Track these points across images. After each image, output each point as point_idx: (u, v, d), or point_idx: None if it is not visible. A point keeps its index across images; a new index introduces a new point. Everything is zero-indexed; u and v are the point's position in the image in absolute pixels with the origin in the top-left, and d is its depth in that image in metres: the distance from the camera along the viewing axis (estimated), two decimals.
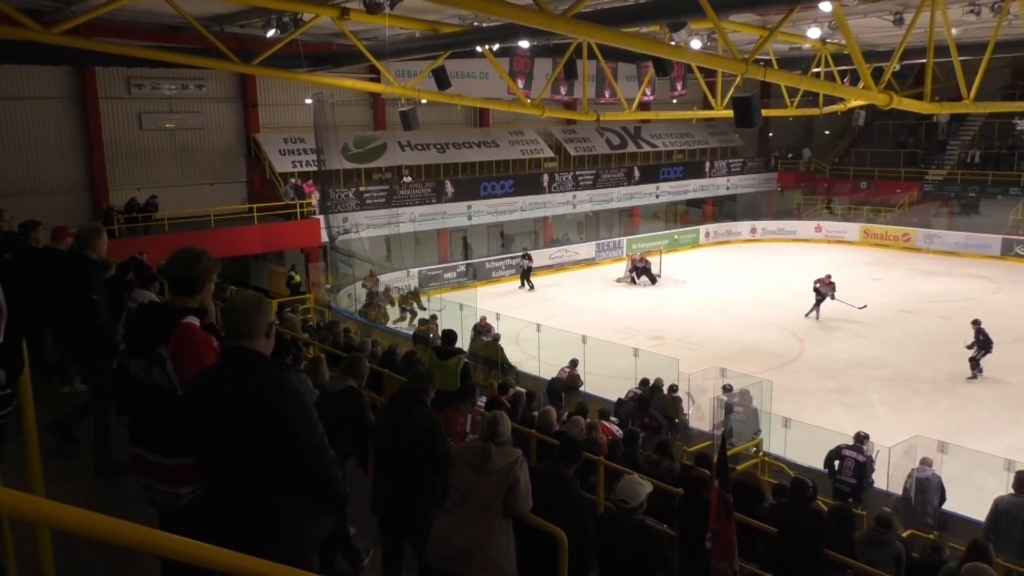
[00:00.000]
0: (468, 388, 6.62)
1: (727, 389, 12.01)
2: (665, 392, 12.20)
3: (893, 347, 19.00)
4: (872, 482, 9.81)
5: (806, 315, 21.54)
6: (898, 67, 17.26)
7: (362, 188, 25.50)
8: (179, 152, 22.98)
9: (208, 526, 2.88)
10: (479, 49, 18.48)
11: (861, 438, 10.04)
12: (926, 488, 9.12)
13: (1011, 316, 21.18)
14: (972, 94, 16.42)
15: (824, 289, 21.53)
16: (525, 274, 26.64)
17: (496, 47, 18.93)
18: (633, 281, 26.69)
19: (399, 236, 26.63)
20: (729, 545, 4.87)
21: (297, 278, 22.13)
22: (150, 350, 3.35)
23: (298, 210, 22.76)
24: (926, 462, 9.36)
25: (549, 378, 13.95)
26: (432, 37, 17.12)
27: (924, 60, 16.02)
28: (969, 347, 16.85)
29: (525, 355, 16.75)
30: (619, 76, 26.69)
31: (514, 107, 21.86)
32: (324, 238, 23.58)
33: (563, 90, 26.19)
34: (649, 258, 27.40)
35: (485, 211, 28.32)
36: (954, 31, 15.95)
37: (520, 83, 22.56)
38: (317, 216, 23.33)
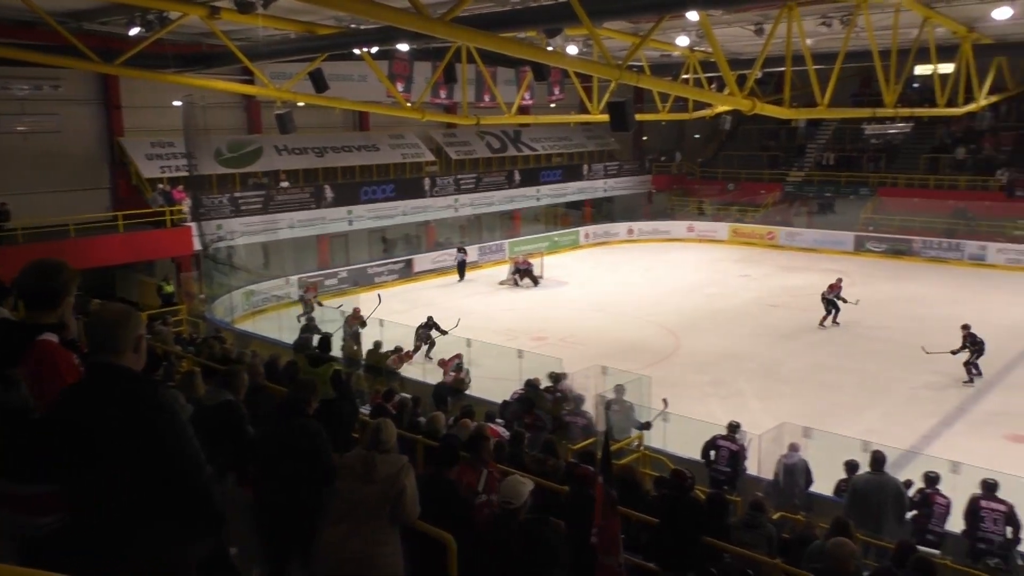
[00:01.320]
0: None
1: (619, 391, 12.20)
2: (548, 391, 12.37)
3: (761, 339, 20.01)
4: (745, 469, 10.29)
5: (822, 325, 21.15)
6: (760, 75, 18.21)
7: (237, 194, 24.62)
8: (34, 157, 21.41)
9: (76, 555, 2.70)
10: (357, 52, 18.22)
11: (734, 428, 10.51)
12: (793, 472, 9.64)
13: (864, 306, 22.69)
14: (826, 100, 17.53)
15: (830, 294, 21.22)
16: (461, 267, 27.95)
17: (375, 50, 18.70)
18: (516, 283, 26.98)
19: (277, 243, 25.89)
20: (614, 539, 5.01)
21: (169, 289, 21.13)
22: (3, 371, 3.11)
23: (168, 217, 21.72)
24: (793, 447, 9.88)
25: (435, 383, 13.89)
26: (308, 39, 16.76)
27: (783, 68, 17.00)
28: (955, 352, 16.71)
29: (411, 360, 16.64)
30: (498, 80, 26.89)
31: (394, 111, 21.68)
32: (197, 246, 22.59)
33: (443, 94, 26.12)
34: (531, 260, 27.76)
35: (366, 216, 27.92)
36: (809, 41, 16.98)
37: (400, 86, 22.36)
38: (189, 223, 22.32)
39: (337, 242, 28.52)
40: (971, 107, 22.60)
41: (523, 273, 27.03)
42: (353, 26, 16.69)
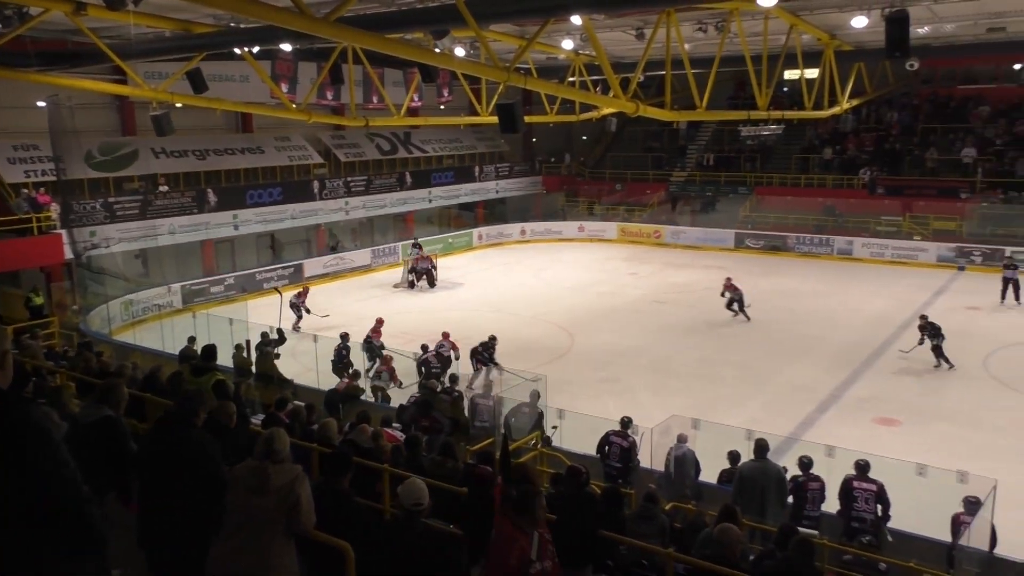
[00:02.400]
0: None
1: (535, 395, 12.27)
2: (445, 393, 12.37)
3: (650, 335, 20.61)
4: (638, 462, 10.58)
5: (734, 315, 21.59)
6: (642, 78, 18.78)
7: (112, 199, 23.40)
8: None
9: None
10: (238, 51, 17.65)
11: (625, 423, 10.77)
12: (683, 463, 9.97)
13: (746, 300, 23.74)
14: (704, 103, 18.27)
15: (734, 294, 21.71)
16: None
17: (256, 49, 18.17)
18: (412, 284, 26.75)
19: (158, 249, 24.76)
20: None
21: (38, 300, 19.84)
22: None
23: (35, 224, 20.42)
24: (681, 439, 10.22)
25: (327, 389, 13.63)
26: (184, 37, 16.10)
27: (664, 72, 17.58)
28: (921, 343, 17.32)
29: (303, 367, 16.25)
30: (386, 82, 26.65)
31: (279, 112, 21.15)
32: (68, 254, 21.33)
33: (330, 95, 25.67)
34: (432, 258, 27.58)
35: (253, 220, 27.08)
36: (687, 46, 17.64)
37: (284, 87, 21.82)
38: (59, 231, 21.06)
39: (223, 247, 27.56)
40: (835, 110, 24.02)
41: (421, 272, 26.82)
42: (233, 25, 16.14)
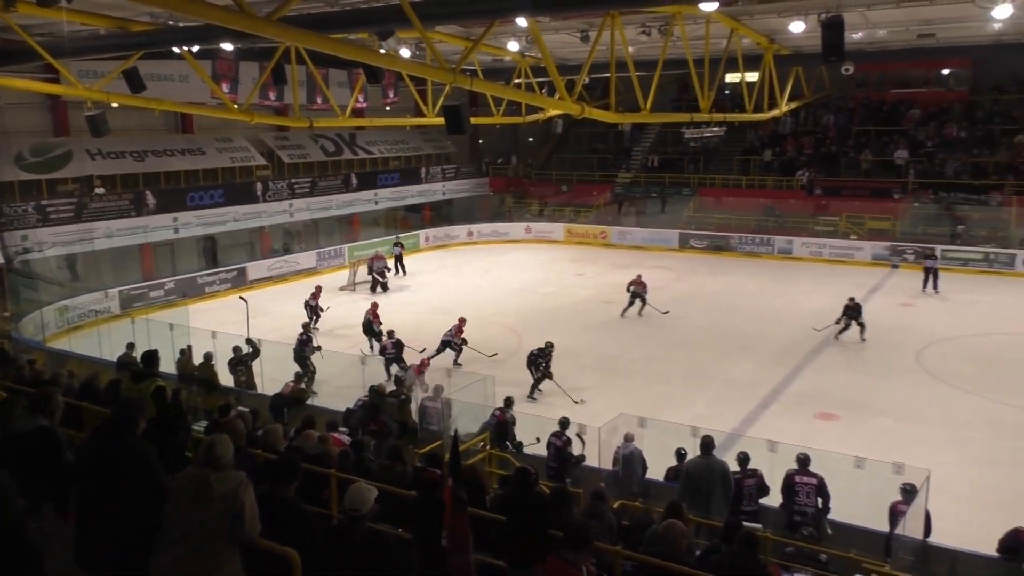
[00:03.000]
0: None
1: (508, 403, 12.25)
2: (392, 396, 12.29)
3: (597, 335, 20.79)
4: (574, 461, 10.64)
5: (622, 314, 22.15)
6: (588, 80, 18.97)
7: (44, 201, 22.65)
8: None
9: None
10: (177, 50, 17.27)
11: (563, 424, 10.84)
12: (630, 461, 10.08)
13: (689, 301, 24.17)
14: (648, 105, 18.50)
15: (638, 289, 22.22)
16: (397, 260, 28.76)
17: (196, 49, 17.81)
18: (376, 286, 26.28)
19: (94, 253, 24.05)
20: (463, 538, 5.06)
21: None
22: None
23: None
24: (628, 438, 10.32)
25: (272, 393, 13.41)
26: (121, 35, 15.68)
27: (609, 74, 17.76)
28: (838, 322, 19.28)
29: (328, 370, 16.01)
30: (330, 82, 26.41)
31: (220, 113, 20.76)
32: None
33: (273, 95, 25.37)
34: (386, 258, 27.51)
35: (194, 223, 26.52)
36: (631, 49, 17.86)
37: (225, 87, 21.47)
38: None
39: (162, 251, 26.91)
40: (775, 113, 24.59)
41: (379, 274, 26.58)
42: (171, 23, 15.79)
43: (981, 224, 29.07)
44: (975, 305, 23.12)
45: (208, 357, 14.51)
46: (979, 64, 32.21)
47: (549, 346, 16.29)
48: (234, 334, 16.90)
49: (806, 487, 9.08)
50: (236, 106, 20.08)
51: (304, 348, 16.54)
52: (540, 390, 15.94)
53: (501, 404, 12.00)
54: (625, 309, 22.26)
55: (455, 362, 17.72)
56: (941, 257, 26.08)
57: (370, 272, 26.72)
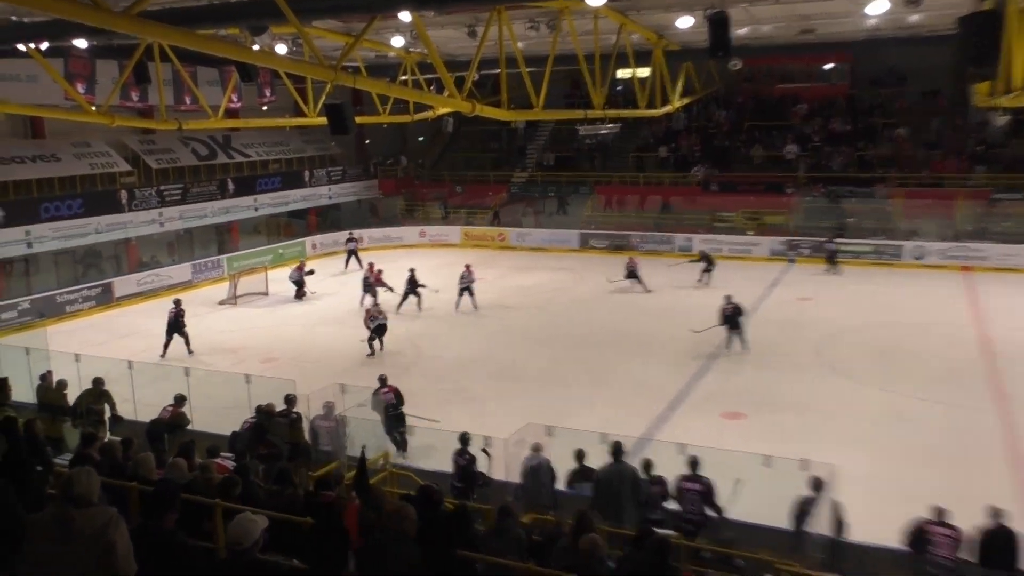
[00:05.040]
0: None
1: (329, 407, 12.06)
2: (282, 415, 11.94)
3: (498, 341, 20.85)
4: (480, 480, 10.57)
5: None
6: (477, 76, 18.97)
7: None
8: None
9: None
10: (23, 48, 16.27)
11: (464, 440, 10.71)
12: (539, 472, 10.10)
13: (591, 303, 24.59)
14: (540, 102, 18.70)
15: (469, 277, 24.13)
16: (352, 253, 30.91)
17: (45, 46, 16.83)
18: (235, 303, 25.62)
19: None
20: None
21: None
22: None
23: None
24: (536, 448, 10.34)
25: (149, 420, 12.79)
26: None
27: (499, 70, 17.84)
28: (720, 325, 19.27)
29: (119, 398, 15.15)
30: (200, 81, 25.51)
31: (75, 115, 19.69)
32: None
33: (135, 96, 24.26)
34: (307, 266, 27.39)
35: (50, 236, 25.06)
36: (520, 44, 18.01)
37: (81, 88, 20.37)
38: None
39: (14, 268, 25.29)
40: (667, 109, 25.32)
41: (300, 285, 26.31)
42: (15, 19, 14.85)
43: (869, 216, 30.81)
44: (871, 297, 24.44)
45: (60, 385, 13.64)
46: (859, 59, 34.22)
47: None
48: (102, 356, 16.05)
49: (690, 493, 9.29)
50: (94, 108, 19.11)
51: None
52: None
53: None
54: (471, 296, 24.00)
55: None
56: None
57: (297, 280, 26.47)
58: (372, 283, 24.21)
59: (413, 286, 23.90)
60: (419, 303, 23.98)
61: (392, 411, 13.51)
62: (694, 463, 9.43)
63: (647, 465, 9.62)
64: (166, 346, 19.99)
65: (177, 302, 20.63)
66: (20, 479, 5.44)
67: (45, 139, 26.70)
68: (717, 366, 18.42)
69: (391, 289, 24.02)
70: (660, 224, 33.37)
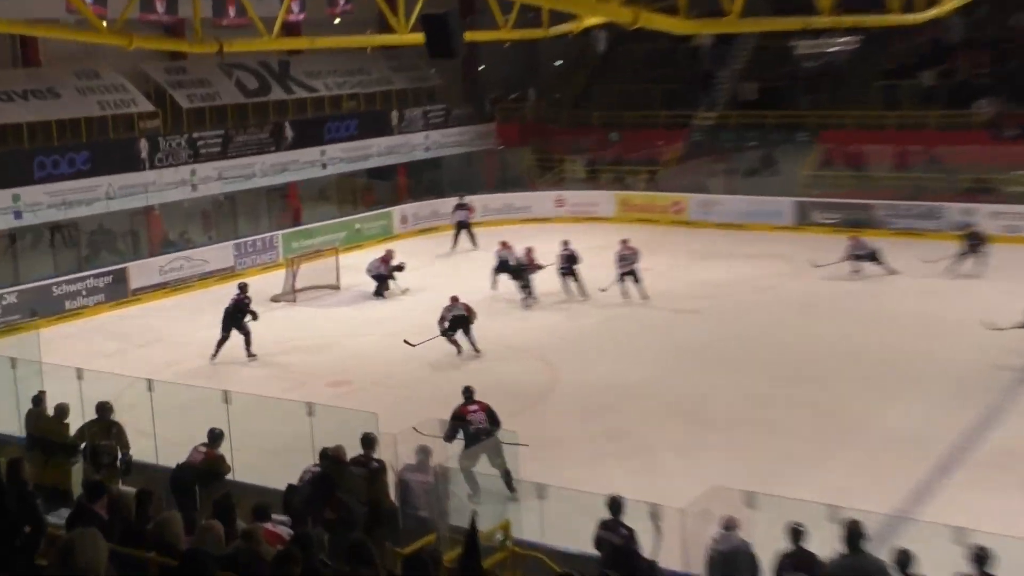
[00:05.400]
0: None
1: (425, 452, 12.15)
2: (357, 463, 12.15)
3: (673, 364, 20.56)
4: (646, 567, 10.37)
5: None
6: None
7: None
8: None
9: None
10: None
11: (615, 509, 10.54)
12: (734, 561, 9.83)
13: (814, 309, 23.85)
14: (737, 7, 18.26)
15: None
16: (463, 226, 32.21)
17: None
18: (295, 300, 26.32)
19: None
20: None
21: None
22: None
23: None
24: (729, 525, 10.06)
25: (175, 464, 13.28)
26: None
27: None
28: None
29: (133, 429, 15.83)
30: None
31: (81, 34, 20.74)
32: None
33: (161, 7, 25.30)
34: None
35: (44, 203, 26.54)
36: None
37: None
38: None
39: None
40: (934, 11, 24.23)
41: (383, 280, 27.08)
42: None
43: None
44: None
45: (61, 411, 14.22)
46: None
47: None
48: (113, 372, 16.80)
49: None
50: (105, 23, 20.01)
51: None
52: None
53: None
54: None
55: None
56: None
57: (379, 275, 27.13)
58: (526, 265, 25.79)
59: (569, 264, 25.02)
60: (580, 287, 25.26)
61: (485, 438, 13.56)
62: (981, 558, 8.94)
63: (904, 560, 9.20)
64: (220, 343, 20.92)
65: (243, 287, 21.83)
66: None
67: (40, 67, 28.37)
68: (1017, 406, 17.56)
69: (541, 268, 25.74)
70: (922, 189, 32.16)
